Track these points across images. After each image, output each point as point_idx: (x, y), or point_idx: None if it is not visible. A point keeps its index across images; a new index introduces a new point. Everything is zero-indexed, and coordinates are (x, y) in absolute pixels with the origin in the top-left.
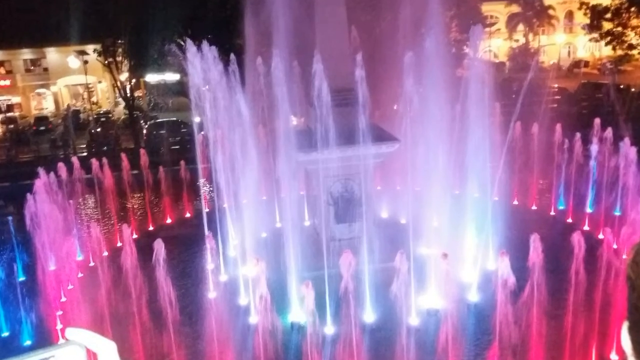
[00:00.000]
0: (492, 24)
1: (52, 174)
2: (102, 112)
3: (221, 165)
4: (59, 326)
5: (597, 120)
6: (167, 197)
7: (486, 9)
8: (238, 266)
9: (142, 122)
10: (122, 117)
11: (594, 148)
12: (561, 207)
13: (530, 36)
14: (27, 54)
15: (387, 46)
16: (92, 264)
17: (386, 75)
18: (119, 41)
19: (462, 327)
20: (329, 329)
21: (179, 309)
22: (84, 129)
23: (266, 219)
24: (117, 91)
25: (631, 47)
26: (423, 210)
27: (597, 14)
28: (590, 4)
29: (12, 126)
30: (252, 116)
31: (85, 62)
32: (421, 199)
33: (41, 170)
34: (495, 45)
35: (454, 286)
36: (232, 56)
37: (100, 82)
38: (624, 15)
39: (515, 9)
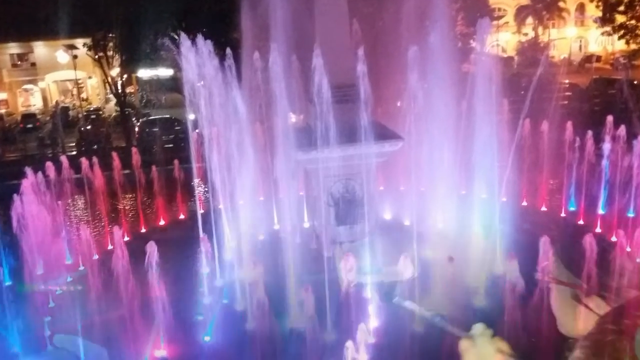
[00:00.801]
0: (500, 17)
1: (39, 174)
2: (92, 109)
3: (217, 165)
4: (47, 333)
5: (610, 118)
6: (160, 198)
7: (494, 1)
8: (234, 270)
9: (134, 119)
10: (113, 114)
11: (607, 146)
12: (572, 209)
13: (540, 30)
14: (13, 48)
15: (390, 40)
16: (81, 267)
17: (389, 71)
18: (110, 35)
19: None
20: (329, 335)
21: (173, 315)
22: (73, 126)
23: (264, 220)
24: (107, 87)
25: None
26: (428, 212)
27: (609, 7)
28: None
29: None
30: (249, 113)
31: (75, 56)
32: (426, 199)
33: (28, 170)
34: (503, 39)
35: (460, 291)
36: (228, 51)
37: (90, 77)
38: (638, 7)
39: (524, 1)
